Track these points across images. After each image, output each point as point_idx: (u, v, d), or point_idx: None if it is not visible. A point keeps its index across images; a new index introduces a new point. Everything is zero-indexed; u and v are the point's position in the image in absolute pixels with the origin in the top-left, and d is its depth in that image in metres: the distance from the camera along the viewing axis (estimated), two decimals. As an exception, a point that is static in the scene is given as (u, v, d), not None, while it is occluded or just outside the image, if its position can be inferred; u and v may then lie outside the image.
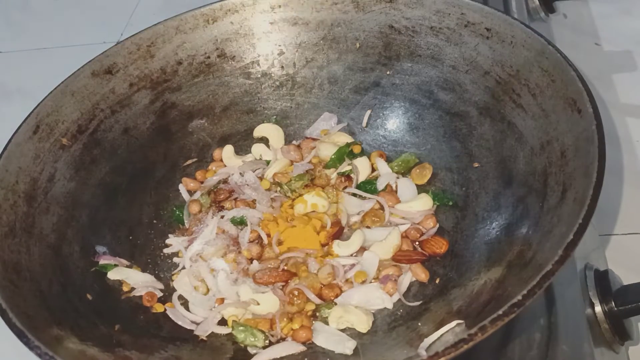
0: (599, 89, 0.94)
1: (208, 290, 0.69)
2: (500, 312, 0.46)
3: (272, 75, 0.83)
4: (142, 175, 0.78)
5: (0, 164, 0.66)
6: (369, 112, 0.80)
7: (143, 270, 0.71)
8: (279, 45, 0.82)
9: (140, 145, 0.79)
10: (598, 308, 0.63)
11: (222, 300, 0.68)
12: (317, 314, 0.65)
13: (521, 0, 0.95)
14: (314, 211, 0.74)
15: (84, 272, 0.67)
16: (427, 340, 0.54)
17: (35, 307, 0.58)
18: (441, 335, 0.54)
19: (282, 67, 0.83)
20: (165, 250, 0.74)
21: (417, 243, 0.70)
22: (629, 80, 0.98)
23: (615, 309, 0.63)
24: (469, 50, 0.73)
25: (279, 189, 0.76)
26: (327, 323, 0.64)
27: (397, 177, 0.75)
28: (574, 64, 0.62)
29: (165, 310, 0.67)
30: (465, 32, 0.73)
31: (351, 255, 0.69)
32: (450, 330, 0.54)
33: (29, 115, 0.70)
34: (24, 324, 0.53)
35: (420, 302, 0.64)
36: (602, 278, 0.65)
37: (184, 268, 0.71)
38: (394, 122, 0.79)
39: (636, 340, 0.67)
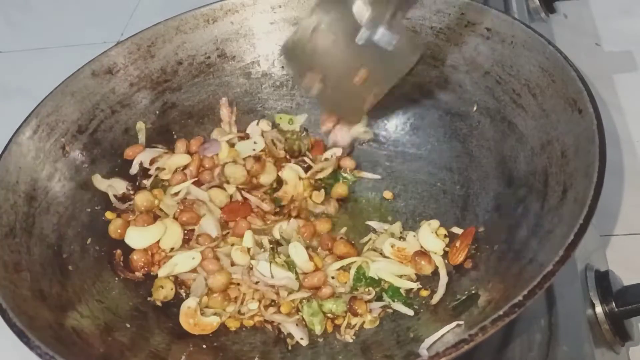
0: (599, 89, 0.93)
1: None
2: (500, 312, 0.46)
3: (273, 75, 0.83)
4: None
5: (0, 163, 0.66)
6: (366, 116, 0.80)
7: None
8: (280, 45, 0.82)
9: (141, 145, 0.78)
10: (599, 309, 0.63)
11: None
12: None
13: (521, 1, 0.95)
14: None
15: (84, 272, 0.67)
16: (428, 341, 0.54)
17: (36, 307, 0.58)
18: (442, 336, 0.54)
19: (283, 67, 0.83)
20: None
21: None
22: (629, 80, 0.98)
23: (616, 309, 0.63)
24: (469, 50, 0.73)
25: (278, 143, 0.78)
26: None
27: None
28: (574, 64, 0.62)
29: (170, 301, 0.67)
30: (466, 32, 0.73)
31: None
32: (451, 330, 0.54)
33: (29, 115, 0.71)
34: (24, 324, 0.53)
35: (421, 302, 0.64)
36: (603, 279, 0.65)
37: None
38: (394, 122, 0.79)
39: (637, 340, 0.67)
